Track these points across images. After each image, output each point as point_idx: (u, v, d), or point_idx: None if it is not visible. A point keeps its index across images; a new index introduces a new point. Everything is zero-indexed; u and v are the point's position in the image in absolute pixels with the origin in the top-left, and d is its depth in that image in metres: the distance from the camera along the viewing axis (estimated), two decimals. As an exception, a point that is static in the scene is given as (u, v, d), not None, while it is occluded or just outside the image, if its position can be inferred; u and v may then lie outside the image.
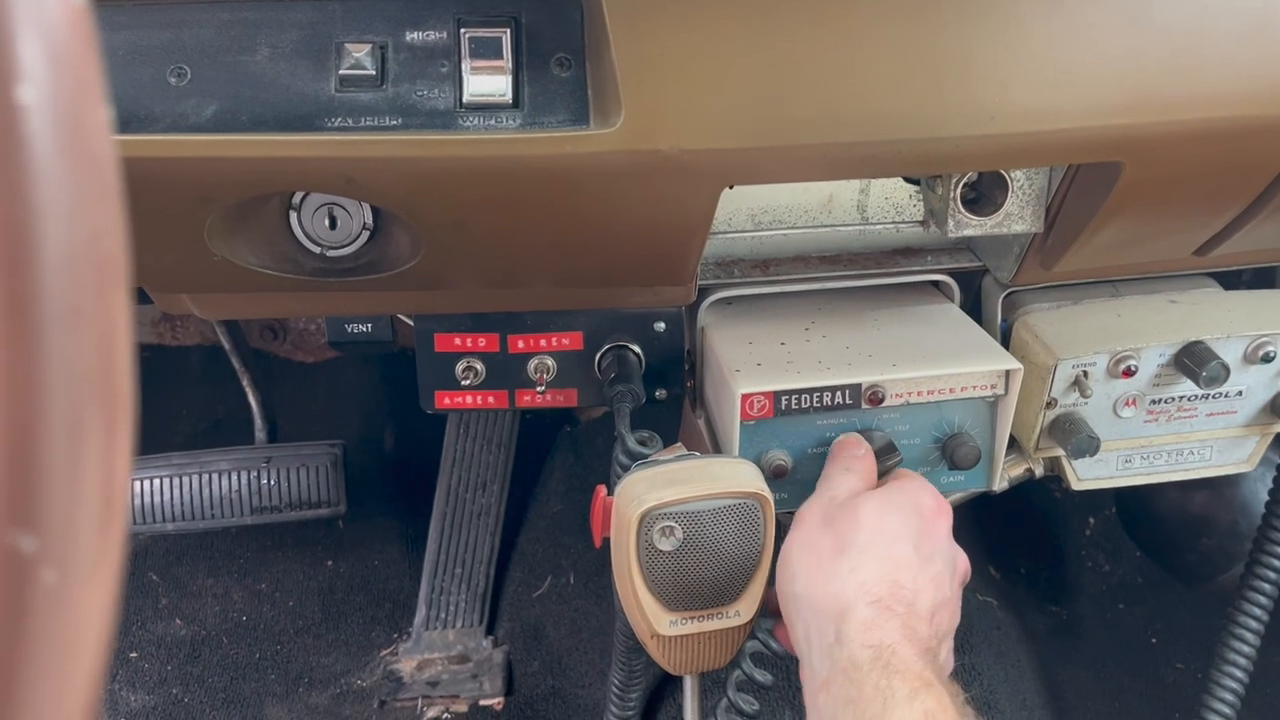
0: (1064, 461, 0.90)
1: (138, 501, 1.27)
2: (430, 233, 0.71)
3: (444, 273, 0.77)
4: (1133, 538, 1.37)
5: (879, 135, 0.64)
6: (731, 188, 0.71)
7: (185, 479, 1.28)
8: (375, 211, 0.74)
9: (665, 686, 1.21)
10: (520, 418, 1.49)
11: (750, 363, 0.83)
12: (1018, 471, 0.91)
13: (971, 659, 1.20)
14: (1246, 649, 1.00)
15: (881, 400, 0.81)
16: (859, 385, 0.81)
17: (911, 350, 0.84)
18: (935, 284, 0.95)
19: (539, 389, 0.88)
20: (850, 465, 0.77)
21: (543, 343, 0.88)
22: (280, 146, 0.64)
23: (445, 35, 0.66)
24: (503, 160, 0.65)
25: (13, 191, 0.19)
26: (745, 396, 0.80)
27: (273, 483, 1.28)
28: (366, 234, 0.75)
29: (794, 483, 0.83)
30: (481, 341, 0.87)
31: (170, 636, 1.37)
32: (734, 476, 0.73)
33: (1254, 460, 0.92)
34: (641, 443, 0.79)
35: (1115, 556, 1.48)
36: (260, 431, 1.36)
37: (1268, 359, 0.85)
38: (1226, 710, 1.02)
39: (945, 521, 0.73)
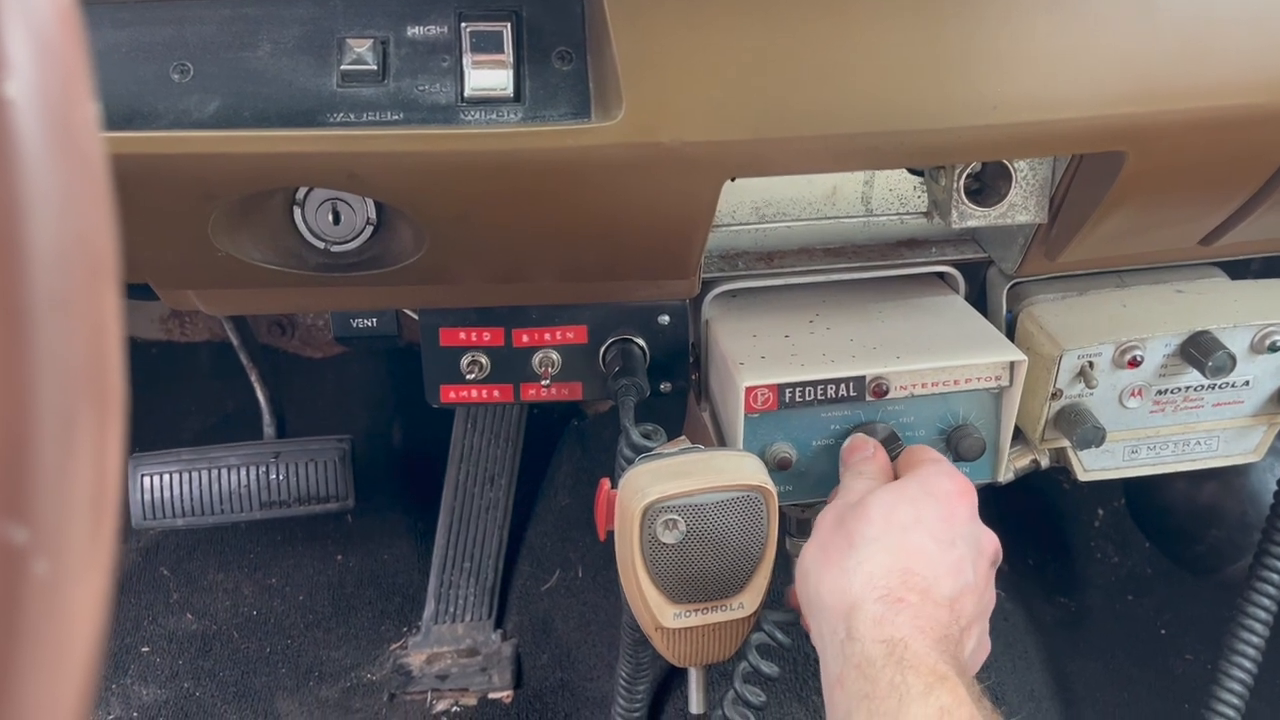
0: (1070, 453, 0.90)
1: (148, 497, 1.28)
2: (433, 227, 0.71)
3: (448, 267, 0.77)
4: (1142, 529, 1.36)
5: (880, 126, 0.64)
6: (733, 180, 0.71)
7: (195, 474, 1.29)
8: (379, 206, 0.75)
9: (672, 679, 1.21)
10: (528, 412, 1.50)
11: (754, 355, 0.83)
12: (1023, 463, 0.91)
13: (979, 651, 1.19)
14: (1255, 640, 0.99)
15: (886, 392, 0.81)
16: (863, 377, 0.81)
17: (916, 342, 0.84)
18: (940, 275, 0.95)
19: (544, 383, 0.88)
20: (861, 469, 0.76)
21: (547, 336, 0.88)
22: (283, 142, 0.64)
23: (446, 30, 0.66)
24: (504, 154, 0.65)
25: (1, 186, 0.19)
26: (750, 389, 0.80)
27: (281, 478, 1.29)
28: (370, 229, 0.75)
29: (798, 475, 0.83)
30: (486, 335, 0.87)
31: (181, 631, 1.38)
32: (737, 469, 0.73)
33: (1261, 450, 0.92)
34: (645, 436, 0.80)
35: (1124, 548, 1.48)
36: (269, 427, 1.36)
37: (1274, 348, 0.85)
38: (1235, 701, 1.01)
39: (966, 503, 0.71)
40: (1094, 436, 0.84)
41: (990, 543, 0.73)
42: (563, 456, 1.55)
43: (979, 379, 0.82)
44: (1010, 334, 0.90)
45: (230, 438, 1.33)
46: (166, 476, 1.28)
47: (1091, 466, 0.90)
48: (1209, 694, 1.03)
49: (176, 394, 1.64)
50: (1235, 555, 1.13)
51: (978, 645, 0.70)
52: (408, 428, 1.63)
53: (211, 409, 1.63)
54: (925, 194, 0.91)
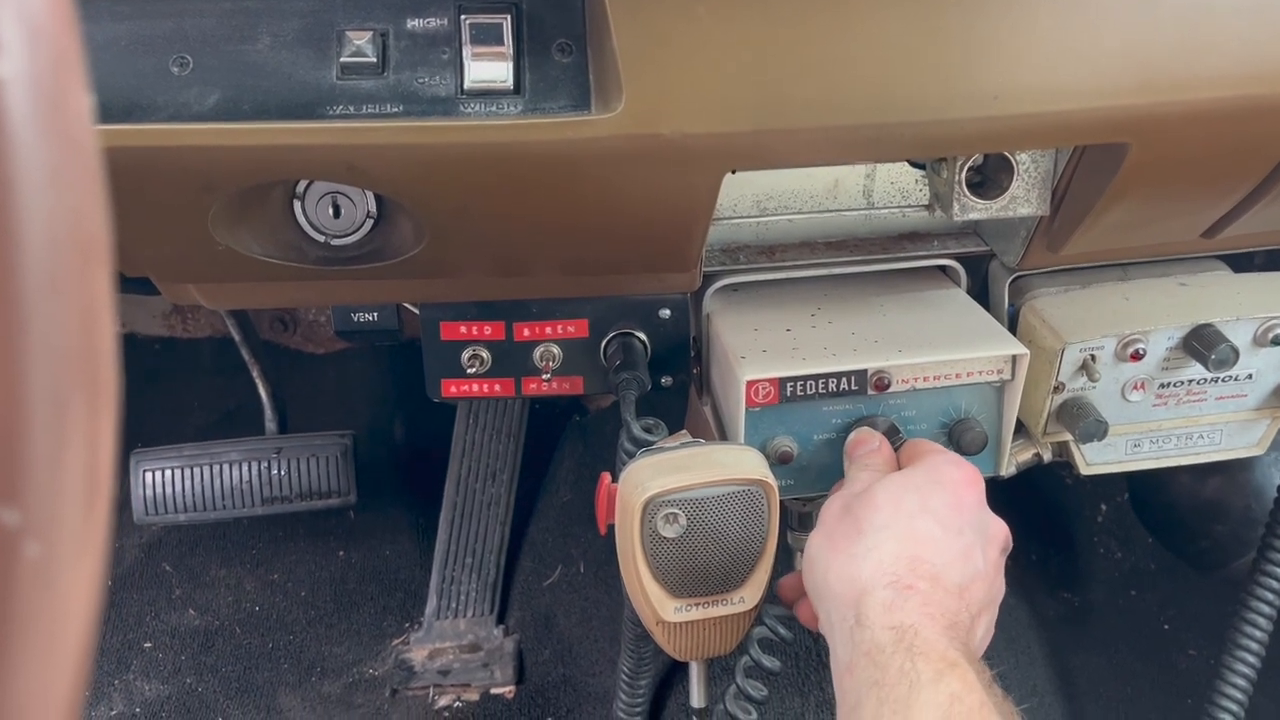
0: (1072, 446, 0.89)
1: (150, 492, 1.28)
2: (433, 220, 0.71)
3: (448, 260, 0.77)
4: (1145, 524, 1.36)
5: (881, 117, 0.64)
6: (734, 173, 0.71)
7: (197, 470, 1.29)
8: (379, 199, 0.75)
9: (674, 674, 1.21)
10: (529, 407, 1.50)
11: (756, 349, 0.83)
12: (1025, 457, 0.91)
13: (982, 646, 1.19)
14: (1259, 635, 0.99)
15: (888, 386, 0.81)
16: (865, 371, 0.80)
17: (918, 336, 0.83)
18: (941, 269, 0.94)
19: (545, 377, 0.88)
20: (867, 461, 0.76)
21: (548, 330, 0.88)
22: (282, 135, 0.64)
23: (446, 22, 0.66)
24: (504, 146, 0.65)
25: (-11, 167, 0.19)
26: (751, 383, 0.79)
27: (283, 473, 1.28)
28: (370, 222, 0.75)
29: (799, 469, 0.83)
30: (487, 330, 0.87)
31: (184, 626, 1.38)
32: (738, 463, 0.73)
33: (1265, 444, 0.92)
34: (647, 429, 0.80)
35: (1127, 543, 1.47)
36: (271, 422, 1.36)
37: (1277, 341, 0.85)
38: (1238, 696, 1.01)
39: (974, 491, 0.71)
40: (1096, 430, 0.84)
41: (999, 530, 0.72)
42: (564, 452, 1.55)
43: (981, 372, 0.82)
44: (1012, 327, 0.90)
45: (232, 433, 1.33)
46: (168, 472, 1.28)
47: (1094, 460, 0.90)
48: (1212, 689, 1.03)
49: (178, 390, 1.64)
50: (1239, 550, 1.13)
51: (986, 633, 0.70)
52: (409, 423, 1.63)
53: (213, 405, 1.63)
54: (927, 187, 0.91)
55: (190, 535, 1.48)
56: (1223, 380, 0.87)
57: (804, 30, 0.64)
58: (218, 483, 1.29)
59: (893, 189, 0.91)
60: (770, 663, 0.88)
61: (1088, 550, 1.47)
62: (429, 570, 1.41)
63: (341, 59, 0.65)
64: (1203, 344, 0.83)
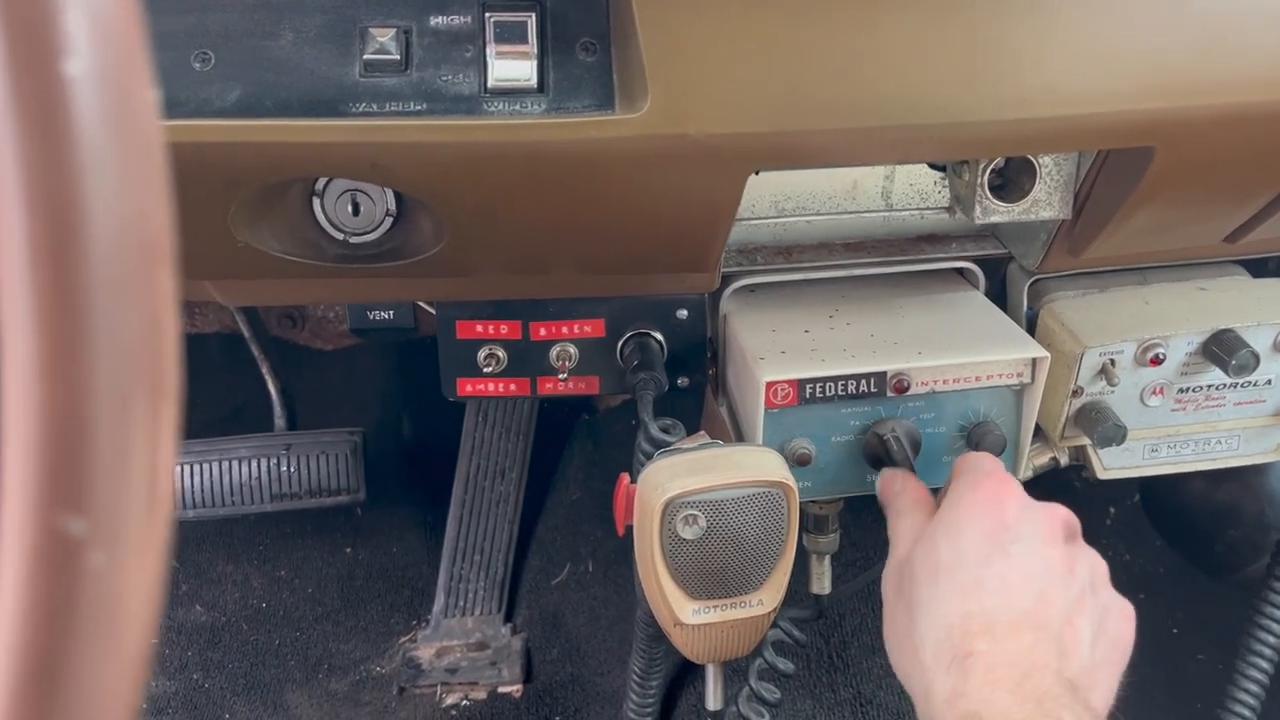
0: (1089, 450, 0.89)
1: (158, 488, 1.28)
2: (454, 219, 0.71)
3: (467, 259, 0.76)
4: (1157, 528, 1.36)
5: (909, 119, 0.64)
6: (757, 173, 0.70)
7: (205, 466, 1.29)
8: (398, 197, 0.74)
9: (685, 674, 1.21)
10: (539, 405, 1.49)
11: (774, 350, 0.83)
12: (1042, 460, 0.91)
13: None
14: (1273, 640, 0.99)
15: (907, 388, 0.80)
16: (884, 373, 0.80)
17: (937, 338, 0.83)
18: (959, 271, 0.94)
19: (561, 376, 0.88)
20: (899, 506, 0.73)
21: (565, 330, 0.88)
22: (304, 132, 0.64)
23: (470, 20, 0.66)
24: (528, 145, 0.65)
25: (59, 163, 0.19)
26: (770, 384, 0.79)
27: (292, 470, 1.28)
28: (390, 220, 0.75)
29: (817, 470, 0.83)
30: (504, 329, 0.87)
31: (191, 622, 1.38)
32: (758, 465, 0.73)
33: (1282, 450, 0.91)
34: (664, 430, 0.79)
35: (1135, 546, 1.47)
36: (279, 419, 1.36)
37: (1298, 347, 0.84)
38: (1251, 702, 1.01)
39: (1007, 499, 0.65)
40: (1115, 435, 0.84)
41: (1052, 517, 0.66)
42: (573, 450, 1.55)
43: (1001, 375, 0.82)
44: (1030, 331, 0.89)
45: (241, 429, 1.33)
46: (177, 468, 1.28)
47: (1111, 465, 0.90)
48: (1225, 694, 1.03)
49: (187, 385, 1.63)
50: (1253, 556, 1.12)
51: (1099, 631, 0.63)
52: (417, 420, 1.63)
53: (222, 401, 1.62)
54: (946, 189, 0.90)
55: (197, 531, 1.48)
56: (1242, 386, 0.86)
57: (831, 30, 0.63)
58: (226, 479, 1.29)
59: (911, 191, 0.91)
60: (784, 665, 0.88)
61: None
62: (437, 568, 1.40)
63: (364, 56, 0.65)
64: (1223, 349, 0.82)
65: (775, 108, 0.64)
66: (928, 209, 0.91)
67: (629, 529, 0.75)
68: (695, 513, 0.71)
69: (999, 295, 0.94)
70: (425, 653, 1.33)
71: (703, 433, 0.80)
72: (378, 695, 1.30)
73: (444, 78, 0.65)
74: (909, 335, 0.84)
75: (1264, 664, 1.00)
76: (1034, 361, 0.81)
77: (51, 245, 0.19)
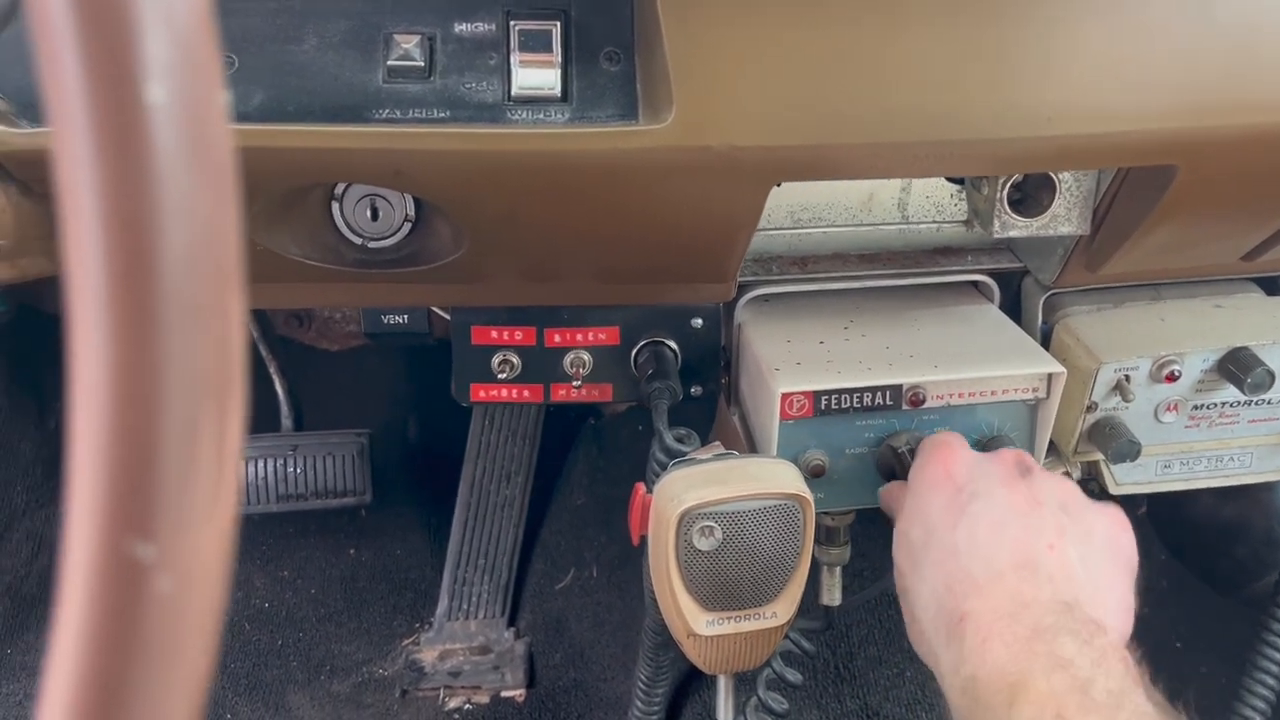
0: (1102, 465, 0.89)
1: (164, 487, 1.27)
2: (475, 226, 0.70)
3: (485, 266, 0.76)
4: (1164, 542, 1.36)
5: (935, 135, 0.64)
6: (779, 185, 0.70)
7: (211, 465, 1.28)
8: (417, 203, 0.74)
9: (691, 683, 1.21)
10: (545, 410, 1.49)
11: (790, 361, 0.83)
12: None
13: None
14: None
15: (923, 402, 0.80)
16: (900, 386, 0.80)
17: (953, 351, 0.83)
18: (974, 284, 0.94)
19: (575, 384, 0.88)
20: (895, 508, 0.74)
21: (579, 337, 0.87)
22: (327, 138, 0.64)
23: (494, 27, 0.66)
24: (551, 155, 0.65)
25: (139, 192, 0.18)
26: (785, 396, 0.79)
27: (299, 471, 1.28)
28: (408, 226, 0.75)
29: (831, 482, 0.82)
30: (518, 335, 0.87)
31: (193, 622, 1.37)
32: (774, 477, 0.73)
33: (1295, 468, 0.91)
34: (679, 440, 0.79)
35: (1140, 559, 1.47)
36: (286, 419, 1.36)
37: (1313, 366, 0.84)
38: (1257, 719, 1.01)
39: (955, 462, 0.67)
40: (1129, 451, 0.84)
41: (1002, 461, 0.66)
42: (579, 455, 1.55)
43: (1016, 390, 0.82)
44: (1045, 345, 0.89)
45: (247, 429, 1.32)
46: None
47: (1124, 480, 0.90)
48: (1230, 710, 1.03)
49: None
50: (1260, 572, 1.12)
51: (1087, 547, 0.61)
52: (423, 422, 1.62)
53: (227, 399, 1.62)
54: (962, 202, 0.90)
55: (201, 530, 1.47)
56: (1256, 403, 0.86)
57: (858, 45, 0.63)
58: (232, 479, 1.28)
59: (928, 203, 0.91)
60: (793, 676, 0.88)
61: (1100, 566, 1.46)
62: (440, 570, 1.40)
63: (388, 62, 0.65)
64: (1239, 367, 0.82)
65: (800, 121, 0.64)
66: (944, 222, 0.91)
67: (644, 539, 0.75)
68: (711, 524, 0.70)
69: (1013, 308, 0.94)
70: (428, 655, 1.33)
71: (718, 443, 0.79)
72: (380, 697, 1.30)
73: (467, 85, 0.65)
74: (924, 348, 0.84)
75: (1271, 680, 1.00)
76: (1050, 377, 0.81)
77: (127, 271, 0.18)
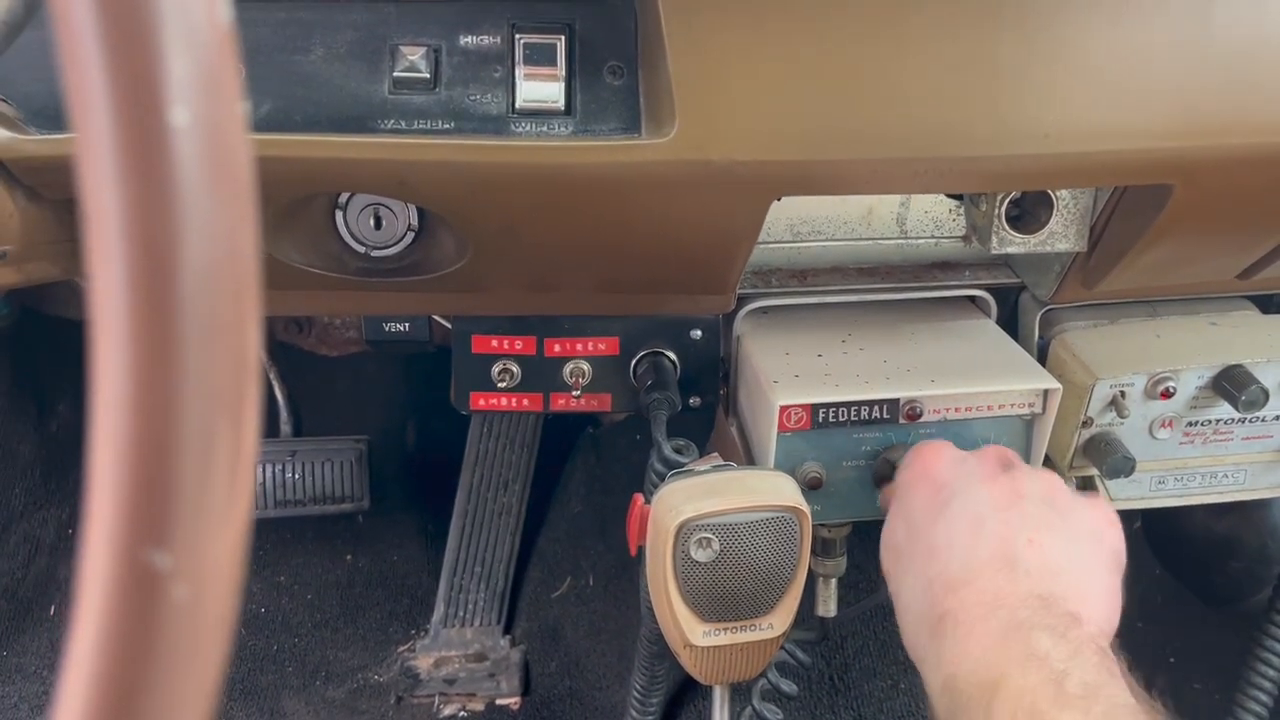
0: (1097, 481, 0.90)
1: (162, 491, 1.28)
2: (478, 237, 0.71)
3: (488, 276, 0.77)
4: (1159, 558, 1.36)
5: (936, 152, 0.64)
6: (779, 199, 0.71)
7: (209, 470, 1.28)
8: (420, 212, 0.75)
9: (686, 692, 1.21)
10: (543, 419, 1.50)
11: (788, 374, 0.83)
12: (1050, 489, 0.91)
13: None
14: (1273, 673, 0.99)
15: (919, 416, 0.81)
16: (897, 400, 0.81)
17: (950, 366, 0.84)
18: (971, 299, 0.95)
19: (574, 393, 0.88)
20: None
21: (579, 347, 0.88)
22: (334, 148, 0.64)
23: (499, 40, 0.67)
24: (554, 168, 0.65)
25: (161, 214, 0.19)
26: (784, 408, 0.80)
27: (297, 476, 1.28)
28: (411, 235, 0.75)
29: (828, 495, 0.83)
30: (518, 344, 0.87)
31: (189, 626, 1.38)
32: (772, 489, 0.73)
33: (1288, 485, 0.92)
34: (678, 451, 0.79)
35: (1133, 574, 1.45)
36: (286, 424, 1.36)
37: (1306, 384, 0.85)
38: (1250, 734, 1.01)
39: (938, 459, 0.67)
40: (1124, 466, 0.84)
41: (984, 457, 0.67)
42: (576, 464, 1.55)
43: (1012, 405, 0.82)
44: (1041, 360, 0.90)
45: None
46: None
47: (1118, 495, 0.90)
48: (1223, 725, 1.03)
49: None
50: (1254, 587, 1.13)
51: (1069, 539, 0.61)
52: (421, 429, 1.63)
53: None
54: (960, 217, 0.91)
55: (198, 534, 1.47)
56: (1250, 421, 0.87)
57: (859, 62, 0.64)
58: (230, 483, 1.28)
59: (926, 218, 0.91)
60: (788, 687, 0.88)
61: (1095, 580, 1.46)
62: (437, 577, 1.40)
63: (394, 73, 0.65)
64: (1233, 384, 0.83)
65: (802, 137, 0.64)
66: (942, 237, 0.92)
67: (641, 549, 0.75)
68: (709, 536, 0.71)
69: (1010, 323, 0.95)
70: (423, 662, 1.33)
71: (716, 454, 0.80)
72: (375, 704, 1.30)
73: (472, 97, 0.66)
74: (922, 362, 0.84)
75: (1264, 697, 1.00)
76: (1046, 392, 0.82)
77: (149, 288, 0.19)
